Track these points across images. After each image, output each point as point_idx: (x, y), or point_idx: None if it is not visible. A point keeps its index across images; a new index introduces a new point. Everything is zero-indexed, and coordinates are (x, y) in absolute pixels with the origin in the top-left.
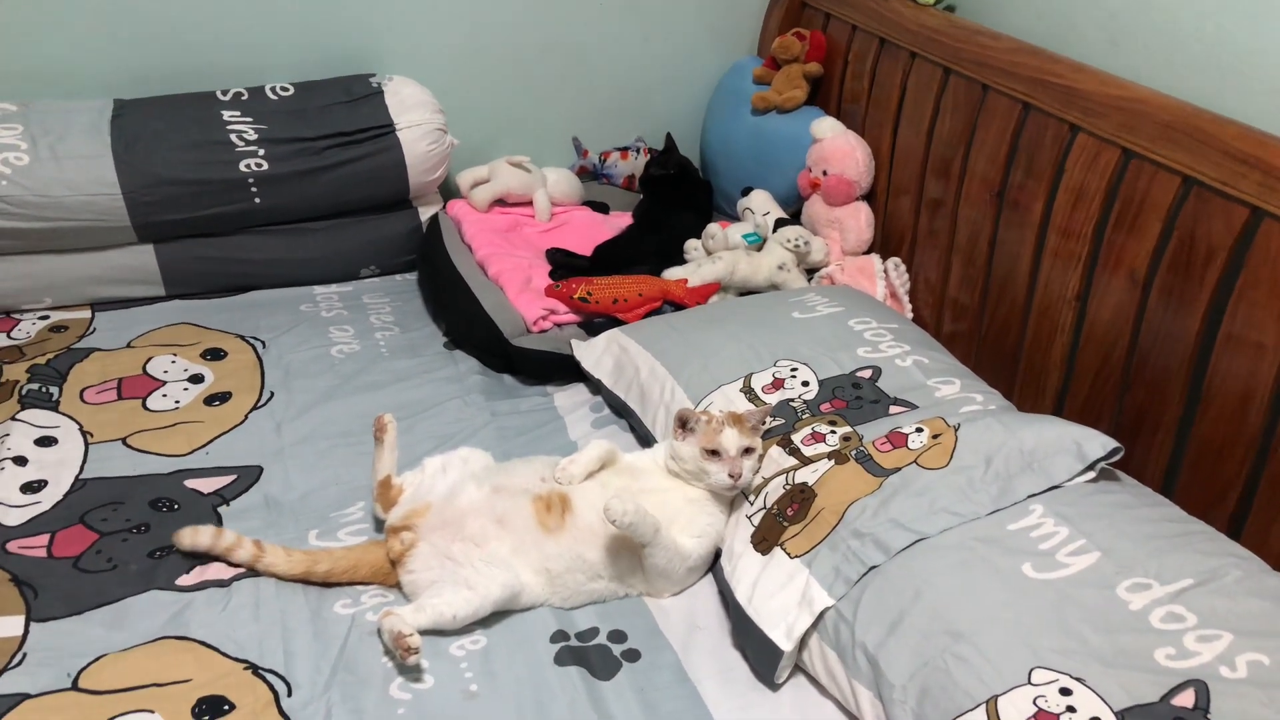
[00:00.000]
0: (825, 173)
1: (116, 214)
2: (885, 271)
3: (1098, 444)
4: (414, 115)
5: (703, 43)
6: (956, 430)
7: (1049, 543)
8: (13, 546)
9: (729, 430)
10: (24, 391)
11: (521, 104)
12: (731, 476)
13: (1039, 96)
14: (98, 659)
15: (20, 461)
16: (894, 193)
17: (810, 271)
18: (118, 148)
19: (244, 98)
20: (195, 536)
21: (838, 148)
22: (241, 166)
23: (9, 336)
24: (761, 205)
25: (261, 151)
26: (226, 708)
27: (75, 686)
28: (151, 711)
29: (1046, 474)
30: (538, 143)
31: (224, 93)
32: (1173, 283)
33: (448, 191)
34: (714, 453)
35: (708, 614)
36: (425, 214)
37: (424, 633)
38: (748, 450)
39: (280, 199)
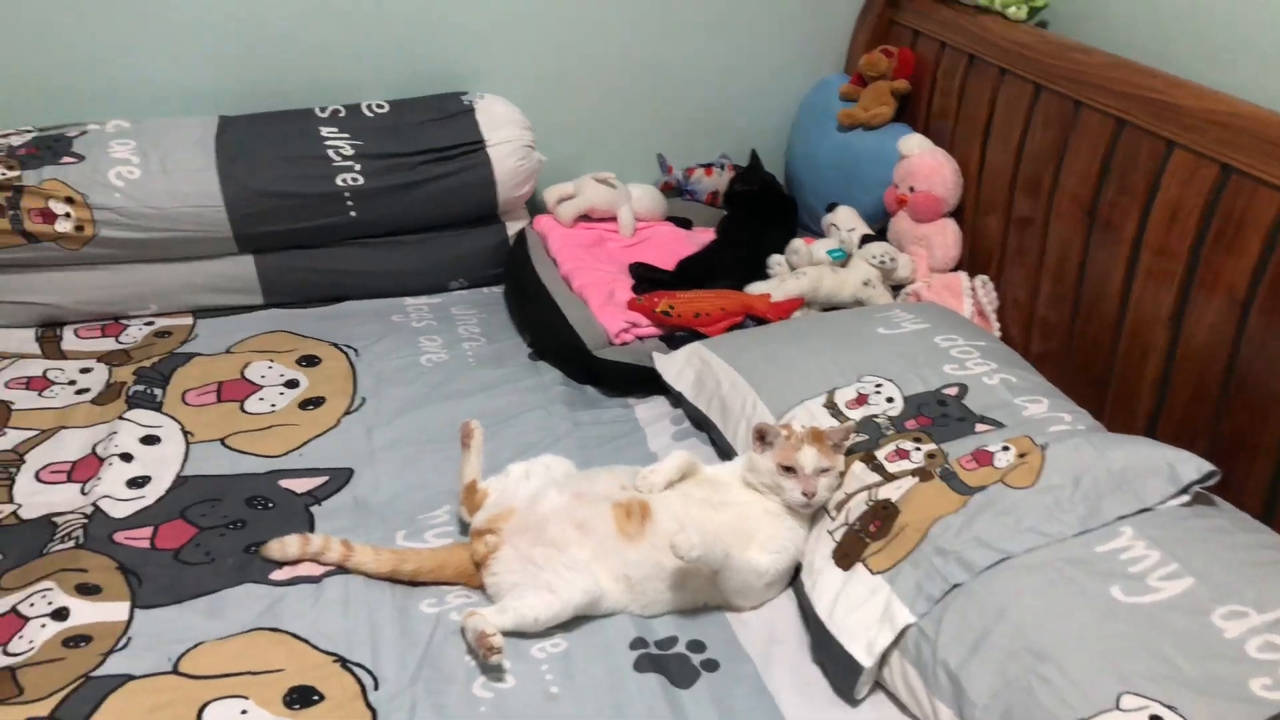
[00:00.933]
0: (912, 189)
1: (219, 225)
2: (973, 289)
3: (1192, 466)
4: (504, 132)
5: (789, 60)
6: (1044, 449)
7: (1139, 566)
8: (119, 537)
9: (807, 448)
10: (130, 393)
11: (607, 121)
12: (805, 495)
13: (1134, 112)
14: (196, 645)
15: (126, 458)
16: (982, 210)
17: (896, 288)
18: (222, 162)
19: (341, 114)
20: (284, 547)
21: (925, 164)
22: (338, 181)
23: (117, 341)
24: (847, 221)
25: (357, 167)
26: (316, 698)
27: (175, 670)
28: (246, 697)
29: (1137, 496)
30: (623, 159)
31: (322, 110)
32: (1274, 303)
33: (535, 207)
34: (790, 469)
35: (787, 628)
36: (512, 229)
37: (506, 634)
38: (825, 470)
39: (374, 213)
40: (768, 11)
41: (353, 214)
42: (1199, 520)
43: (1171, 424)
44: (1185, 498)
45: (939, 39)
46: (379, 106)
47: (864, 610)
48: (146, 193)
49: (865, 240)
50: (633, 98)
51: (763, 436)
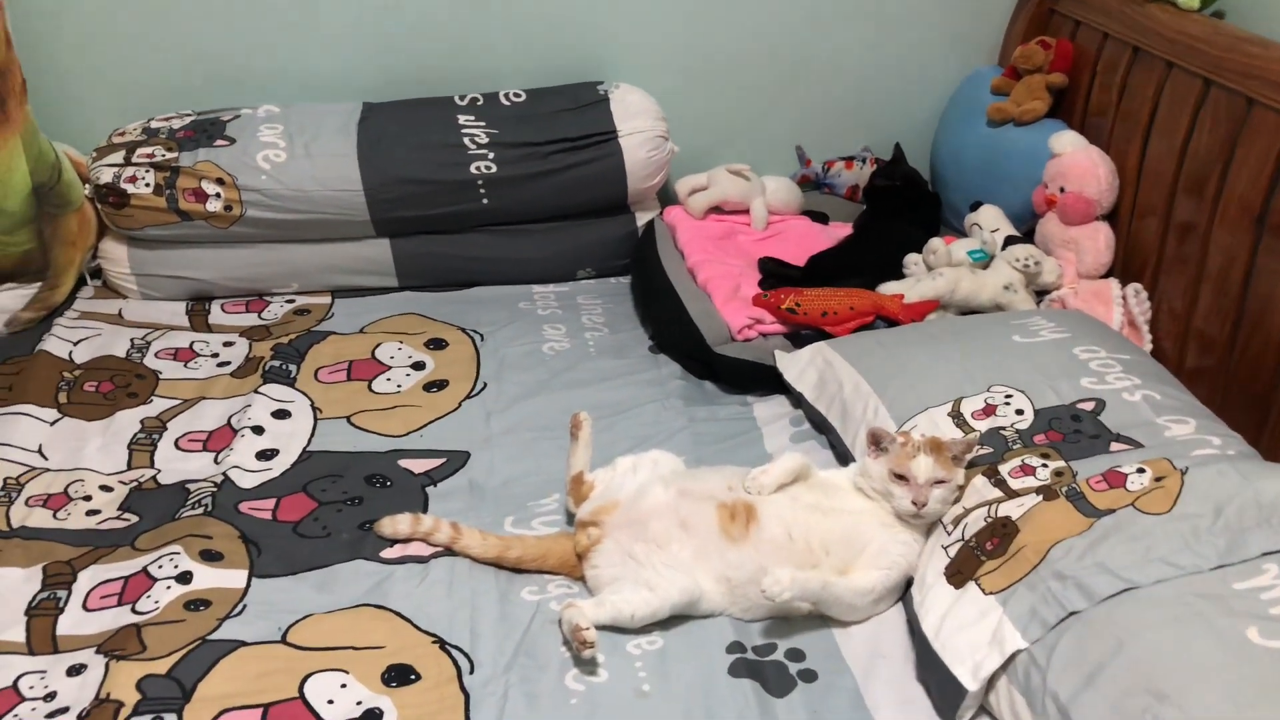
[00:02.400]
0: (1063, 189)
1: (358, 209)
2: (1124, 298)
3: None
4: (637, 122)
5: (940, 50)
6: (1184, 474)
7: None
8: (244, 507)
9: (923, 457)
10: (267, 367)
11: (746, 111)
12: (916, 504)
13: None
14: (305, 617)
15: (258, 431)
16: (1139, 213)
17: (1040, 294)
18: (363, 147)
19: (479, 103)
20: (395, 525)
21: (1078, 163)
22: (472, 169)
23: (259, 317)
24: (991, 221)
25: (491, 155)
26: (413, 677)
27: (284, 640)
28: (347, 671)
29: None
30: (760, 150)
31: (461, 98)
32: None
33: (666, 198)
34: (902, 477)
35: (893, 642)
36: (642, 219)
37: (602, 628)
38: (941, 481)
39: (506, 200)
40: (920, 1)
41: (485, 201)
42: None
43: None
44: None
45: (1101, 29)
46: (516, 95)
47: (973, 631)
48: (290, 176)
49: (1009, 242)
50: (773, 88)
51: (877, 441)
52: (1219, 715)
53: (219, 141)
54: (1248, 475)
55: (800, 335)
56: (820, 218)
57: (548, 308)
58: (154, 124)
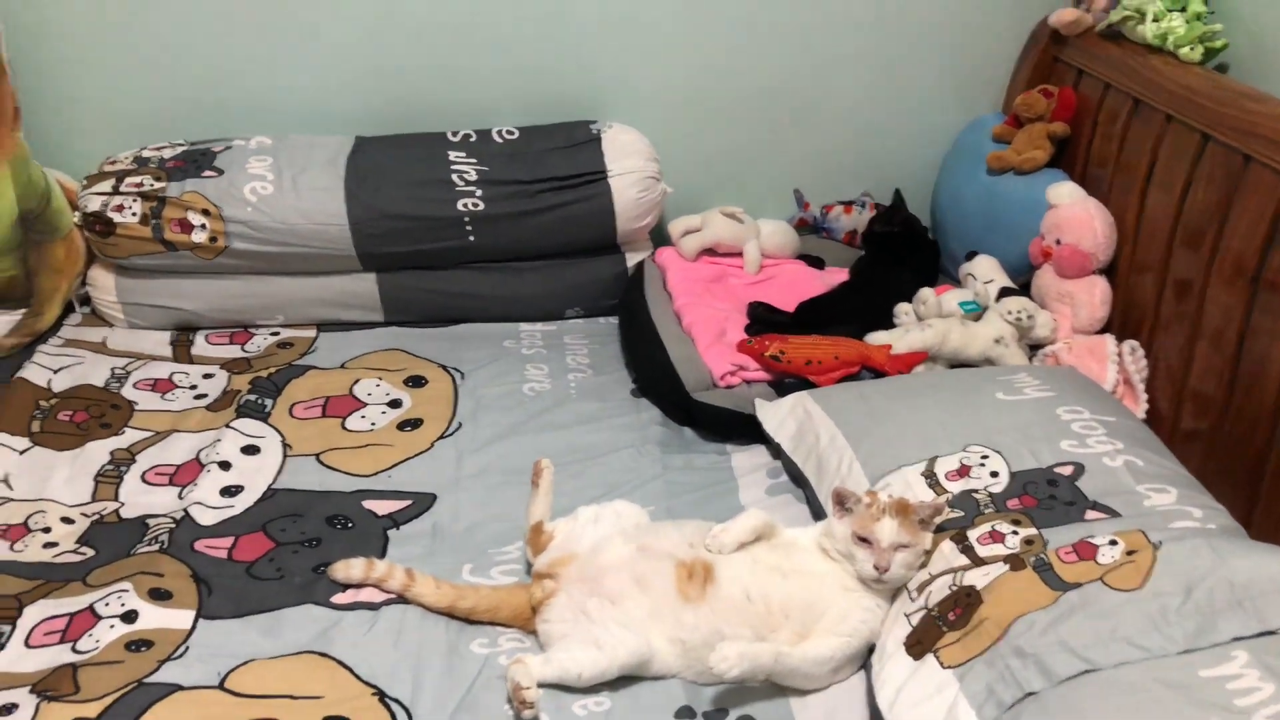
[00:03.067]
0: (1059, 241)
1: (343, 243)
2: (1119, 355)
3: None
4: (628, 162)
5: (944, 96)
6: (1157, 549)
7: (1247, 699)
8: (200, 545)
9: (888, 520)
10: (242, 402)
11: (744, 154)
12: (877, 569)
13: None
14: (246, 663)
15: (225, 466)
16: (1136, 268)
17: (1034, 348)
18: (350, 182)
19: (471, 139)
20: (348, 570)
21: (1074, 215)
22: (459, 205)
23: (242, 349)
24: (985, 272)
25: (479, 192)
26: None
27: (221, 686)
28: None
29: (1260, 616)
30: (758, 193)
31: (454, 134)
32: None
33: (661, 238)
34: (866, 540)
35: (851, 712)
36: (633, 259)
37: (550, 686)
38: (905, 545)
39: (493, 238)
40: (922, 45)
41: (471, 238)
42: None
43: None
44: None
45: (1104, 80)
46: (509, 133)
47: (927, 707)
48: (276, 208)
49: (1004, 293)
50: (773, 131)
51: (842, 501)
52: None
53: (207, 172)
54: (1222, 553)
55: (784, 384)
56: (816, 262)
57: (533, 347)
58: (145, 153)
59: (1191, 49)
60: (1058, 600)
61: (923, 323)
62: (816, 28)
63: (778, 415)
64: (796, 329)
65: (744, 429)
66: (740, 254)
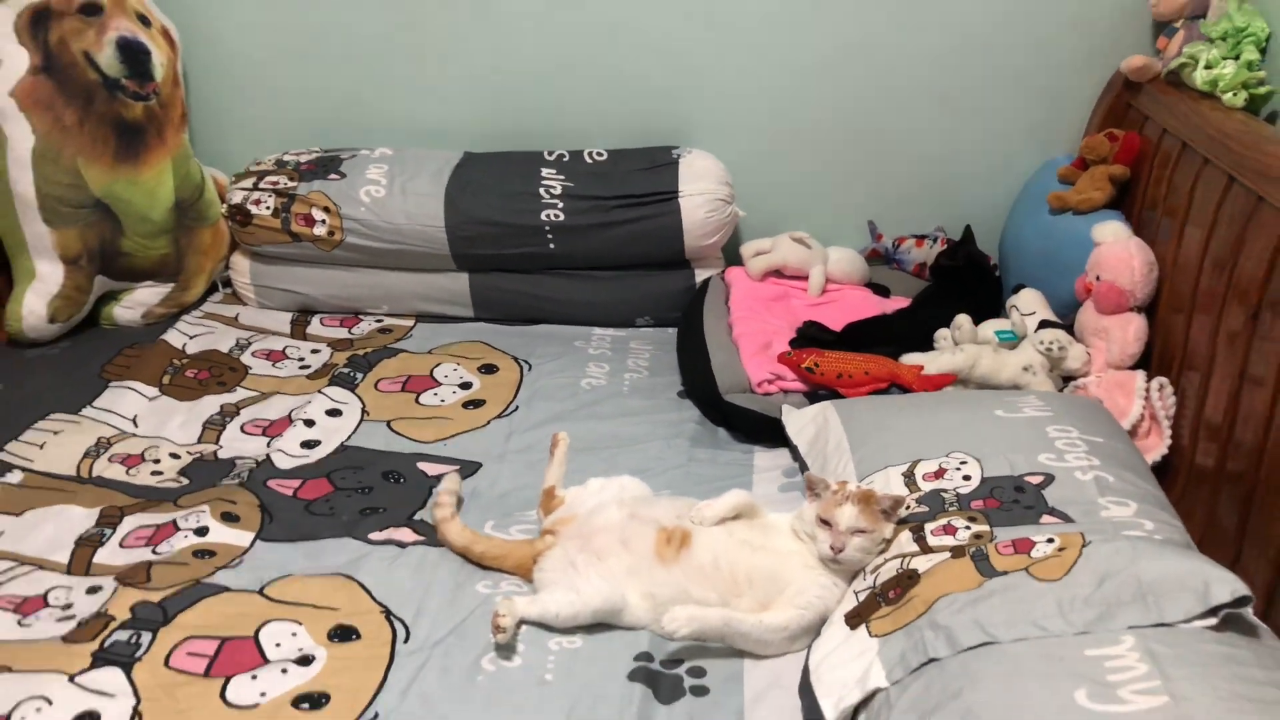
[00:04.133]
0: (1099, 277)
1: (439, 244)
2: (1147, 391)
3: (1226, 588)
4: (700, 185)
5: (1019, 137)
6: (1083, 547)
7: (1120, 675)
8: (272, 483)
9: (848, 506)
10: (336, 373)
11: (820, 183)
12: (833, 549)
13: None
14: (285, 576)
15: (309, 423)
16: (1172, 307)
17: (1068, 380)
18: (450, 190)
19: (564, 159)
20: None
21: (1114, 253)
22: (542, 215)
23: (350, 332)
24: (1028, 304)
25: (561, 205)
26: (354, 636)
27: (260, 592)
28: (300, 623)
29: (1159, 609)
30: (834, 221)
31: (550, 153)
32: None
33: (735, 258)
34: (827, 522)
35: (794, 676)
36: (702, 275)
37: (532, 623)
38: (862, 530)
39: (570, 247)
40: (1003, 89)
41: (551, 246)
42: (1217, 646)
43: None
44: (1213, 620)
45: (1161, 125)
46: (599, 154)
47: (847, 669)
48: (386, 210)
49: (1042, 325)
50: (849, 162)
51: (812, 487)
52: None
53: (333, 176)
54: (1140, 553)
55: (818, 395)
56: (882, 290)
57: (600, 348)
58: (286, 157)
59: (1235, 94)
60: (983, 584)
61: (956, 347)
62: (896, 63)
63: (800, 420)
64: (841, 347)
65: (772, 432)
66: (806, 277)
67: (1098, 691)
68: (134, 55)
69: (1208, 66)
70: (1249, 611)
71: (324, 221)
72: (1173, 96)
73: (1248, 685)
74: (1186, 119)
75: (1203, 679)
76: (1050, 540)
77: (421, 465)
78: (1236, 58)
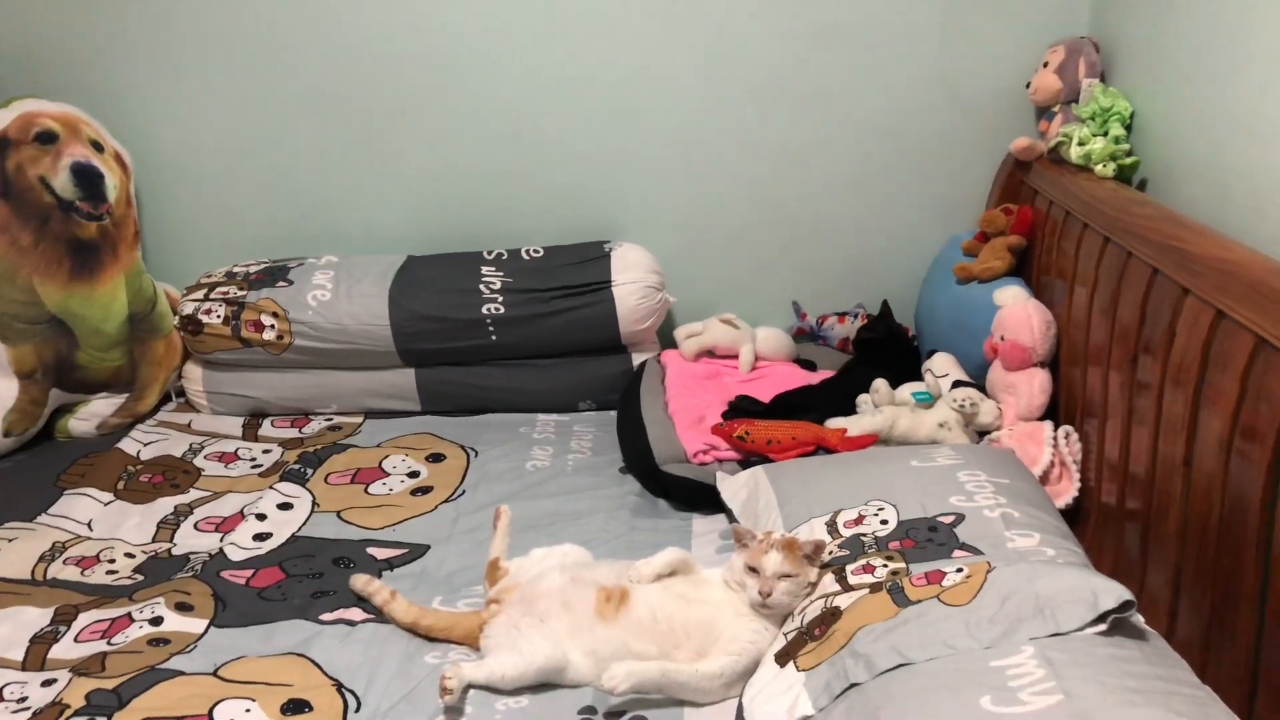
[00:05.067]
0: (1003, 338)
1: (385, 341)
2: (1055, 439)
3: (1112, 595)
4: (631, 274)
5: (928, 217)
6: (988, 573)
7: (1020, 681)
8: (225, 574)
9: (773, 553)
10: (287, 470)
11: (746, 269)
12: (761, 594)
13: (1161, 260)
14: (239, 658)
15: (261, 517)
16: (1070, 360)
17: (983, 435)
18: (394, 290)
19: (503, 257)
20: (354, 581)
21: (1014, 314)
22: (483, 309)
23: (300, 431)
24: (941, 367)
25: (501, 299)
26: (306, 708)
27: (214, 674)
28: (253, 699)
29: (1055, 621)
30: (760, 304)
31: (489, 252)
32: (1246, 447)
33: (669, 342)
34: (755, 570)
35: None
36: (638, 359)
37: (479, 688)
38: (788, 575)
39: (511, 338)
40: (909, 174)
41: (494, 337)
42: (1105, 648)
43: (1189, 574)
44: (1103, 625)
45: (1049, 197)
46: (536, 251)
47: (776, 703)
48: (332, 312)
49: (956, 385)
50: (774, 250)
51: (740, 538)
52: None
53: (280, 283)
54: (1036, 574)
55: (750, 461)
56: (808, 365)
57: (544, 433)
58: (236, 269)
59: (1104, 166)
60: (898, 614)
61: (877, 409)
62: (810, 156)
63: (734, 486)
64: (771, 416)
65: (708, 499)
66: (737, 356)
67: (1001, 696)
68: (88, 179)
69: (1080, 143)
70: (1136, 615)
71: (273, 326)
72: (1055, 171)
73: (1135, 680)
74: (1067, 190)
75: (1094, 678)
76: (959, 570)
77: (371, 550)
78: (1105, 134)
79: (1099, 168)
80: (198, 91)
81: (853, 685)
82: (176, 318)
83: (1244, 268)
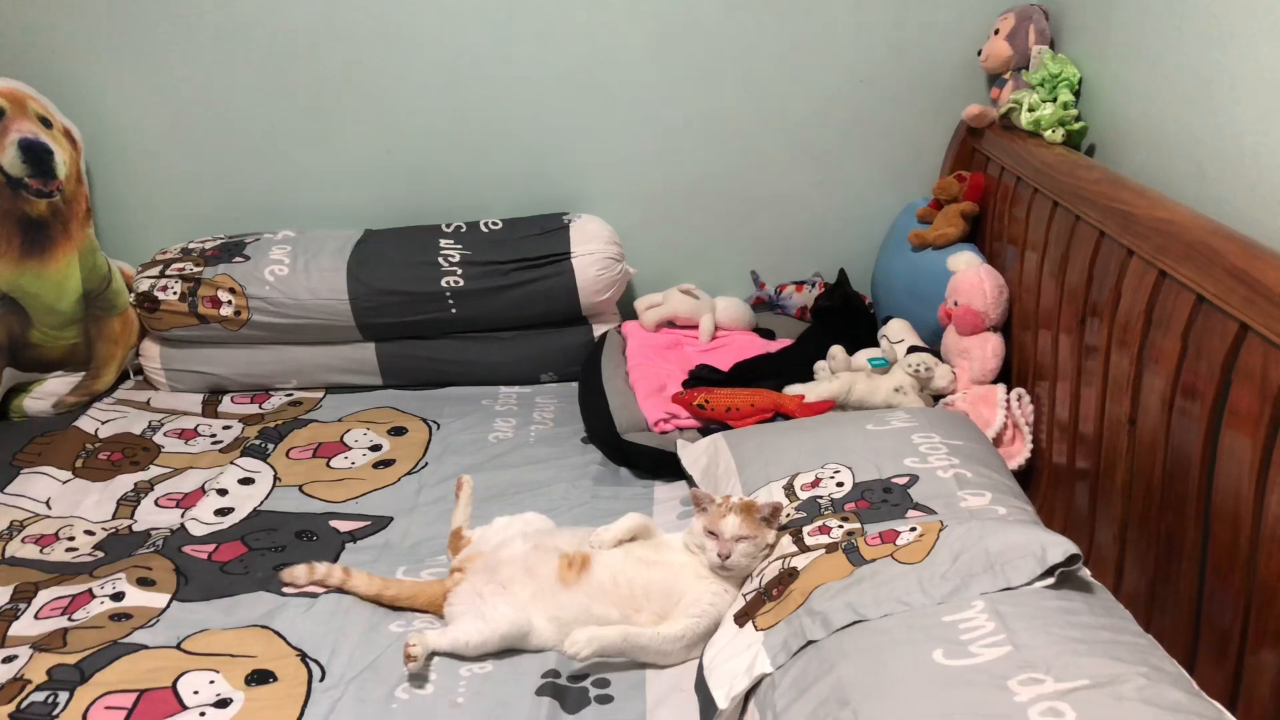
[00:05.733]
0: (956, 303)
1: (344, 315)
2: (1008, 402)
3: (1059, 550)
4: (590, 245)
5: (883, 185)
6: (940, 531)
7: (970, 634)
8: (187, 549)
9: (731, 516)
10: (248, 445)
11: (706, 240)
12: (720, 556)
13: (1107, 223)
14: (201, 631)
15: (222, 492)
16: (1024, 324)
17: (937, 399)
18: (352, 264)
19: (462, 230)
20: (293, 574)
21: (967, 279)
22: (442, 283)
23: (260, 407)
24: (897, 333)
25: (460, 271)
26: (271, 679)
27: (178, 647)
28: (217, 671)
29: (1005, 576)
30: (719, 274)
31: (448, 225)
32: (1186, 405)
33: (630, 313)
34: (713, 533)
35: (693, 679)
36: (599, 330)
37: (444, 654)
38: (745, 537)
39: (471, 310)
40: (863, 143)
41: (454, 311)
42: (1055, 601)
43: (1135, 528)
44: (1051, 579)
45: (1000, 163)
46: (494, 224)
47: (736, 661)
48: (290, 286)
49: (910, 350)
50: (731, 219)
51: (699, 502)
52: (883, 713)
53: (237, 259)
54: (986, 531)
55: (710, 429)
56: (767, 334)
57: (506, 405)
58: (191, 245)
59: (1053, 131)
60: (853, 573)
61: (833, 376)
62: (765, 126)
63: (694, 453)
64: (730, 385)
65: (669, 467)
66: (697, 326)
67: (953, 650)
68: (36, 155)
69: (1030, 109)
70: (1082, 569)
71: (230, 302)
72: (1006, 138)
73: (1081, 630)
74: (1018, 156)
75: (1041, 629)
76: (913, 529)
77: (334, 523)
78: (1054, 100)
79: (1048, 133)
80: (147, 66)
81: (810, 643)
82: (132, 295)
83: (1185, 229)
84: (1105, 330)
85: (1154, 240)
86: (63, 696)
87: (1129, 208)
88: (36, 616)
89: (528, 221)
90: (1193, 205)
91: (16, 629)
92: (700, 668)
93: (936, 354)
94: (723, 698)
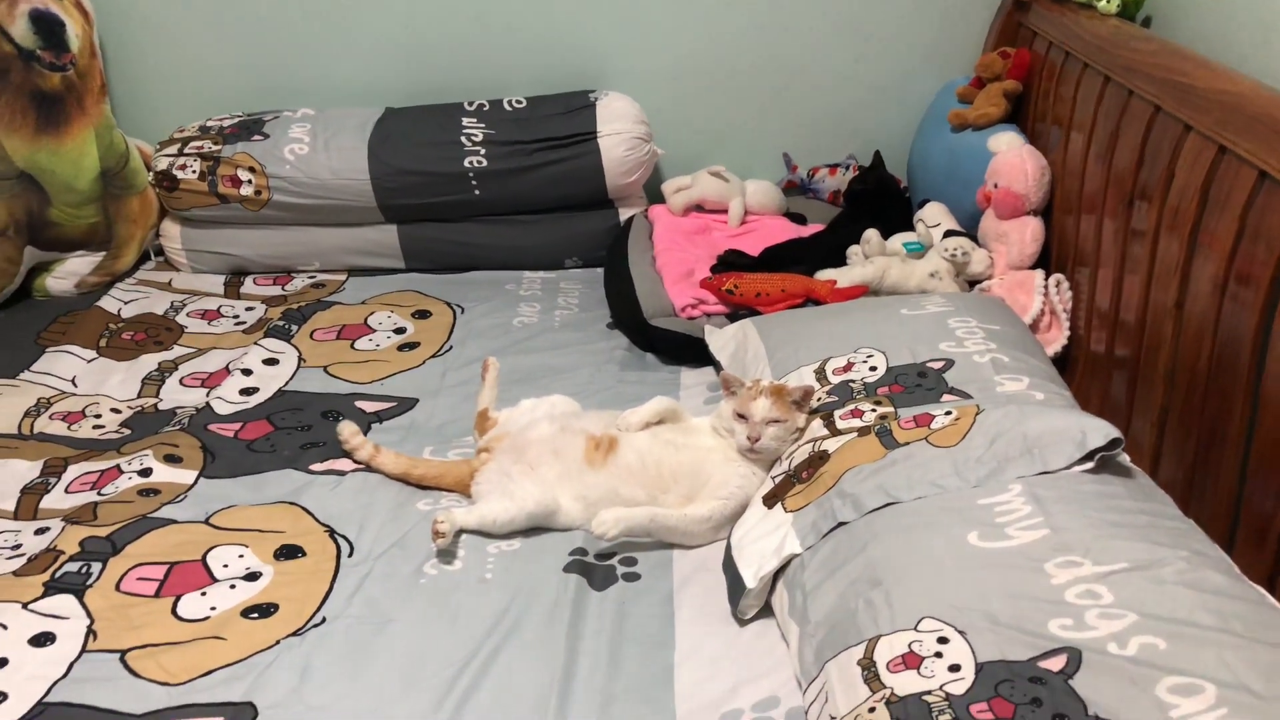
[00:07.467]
0: (996, 185)
1: (366, 196)
2: (1045, 288)
3: (1100, 434)
4: (617, 125)
5: (921, 63)
6: (976, 415)
7: (1007, 517)
8: (212, 427)
9: (762, 399)
10: (271, 326)
11: (736, 120)
12: (750, 439)
13: (1163, 97)
14: (230, 507)
15: (247, 372)
16: (1065, 208)
17: (974, 284)
18: (373, 143)
19: (484, 108)
20: (341, 430)
21: (1008, 161)
22: (465, 163)
23: (283, 289)
24: (933, 217)
25: (483, 151)
26: (300, 554)
27: (206, 521)
28: (246, 545)
29: (1043, 460)
30: (751, 157)
31: (470, 103)
32: (1239, 290)
33: (657, 196)
34: (743, 416)
35: (720, 559)
36: (625, 214)
37: (471, 532)
38: (776, 421)
39: (495, 192)
40: (902, 18)
41: (477, 192)
42: (1093, 485)
43: (1174, 414)
44: (1090, 464)
45: (1048, 39)
46: (518, 102)
47: (765, 542)
48: (310, 166)
49: (948, 235)
50: (762, 99)
51: (728, 385)
52: (912, 596)
53: (256, 137)
54: (1025, 415)
55: (738, 315)
56: (799, 219)
57: (530, 290)
58: (209, 123)
59: (1108, 2)
60: (886, 455)
61: (867, 260)
62: (800, 3)
63: (722, 338)
64: (760, 270)
65: (696, 353)
66: (725, 210)
67: (988, 532)
68: (48, 26)
69: None
70: (1122, 454)
71: (250, 182)
72: (1056, 11)
73: (1119, 514)
74: (1068, 29)
75: (1079, 513)
76: (948, 413)
77: (360, 404)
78: None
79: (1102, 4)
80: None
81: (840, 524)
82: (150, 174)
83: (1248, 100)
84: (1154, 213)
85: (1214, 114)
86: (95, 567)
87: (1189, 79)
88: (67, 491)
89: (553, 99)
90: (1256, 76)
91: (48, 502)
92: (728, 547)
93: (974, 239)
94: (751, 577)
